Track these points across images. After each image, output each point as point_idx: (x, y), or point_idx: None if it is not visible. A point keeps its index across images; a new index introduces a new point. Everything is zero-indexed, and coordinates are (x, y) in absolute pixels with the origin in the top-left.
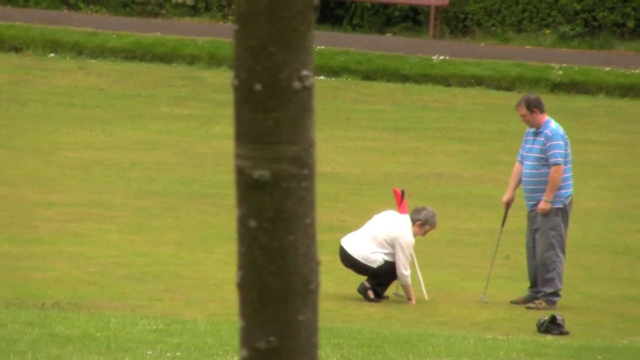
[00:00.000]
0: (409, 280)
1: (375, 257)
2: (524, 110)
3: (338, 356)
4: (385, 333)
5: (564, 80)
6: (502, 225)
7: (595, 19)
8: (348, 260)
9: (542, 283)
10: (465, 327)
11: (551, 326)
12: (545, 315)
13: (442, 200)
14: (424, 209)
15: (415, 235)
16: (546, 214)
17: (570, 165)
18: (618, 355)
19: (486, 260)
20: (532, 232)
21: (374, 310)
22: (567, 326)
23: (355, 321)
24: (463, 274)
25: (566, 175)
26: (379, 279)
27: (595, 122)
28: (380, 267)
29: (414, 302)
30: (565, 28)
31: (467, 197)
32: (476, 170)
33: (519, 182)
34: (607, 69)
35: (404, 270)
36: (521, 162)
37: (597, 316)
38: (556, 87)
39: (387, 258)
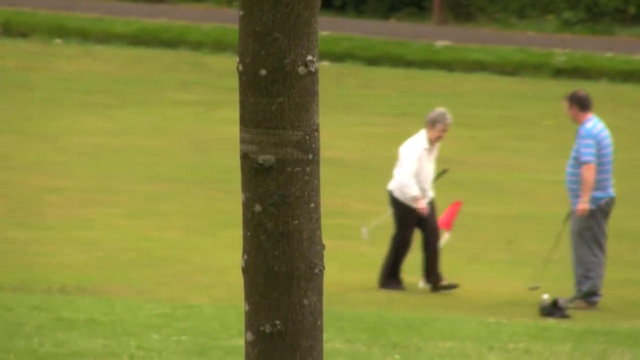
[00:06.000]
0: (412, 191)
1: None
2: (566, 104)
3: (342, 340)
4: (389, 317)
5: (567, 66)
6: (565, 220)
7: (597, 4)
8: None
9: (580, 283)
10: (469, 311)
11: (553, 310)
12: (547, 299)
13: (447, 185)
14: (432, 111)
15: (432, 139)
16: (580, 215)
17: (606, 167)
18: (620, 339)
19: (491, 244)
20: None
21: (378, 294)
22: (570, 310)
23: (359, 305)
24: (467, 258)
25: (600, 176)
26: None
27: (598, 107)
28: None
29: (423, 206)
30: (567, 14)
31: (471, 182)
32: (480, 156)
33: None
34: (609, 54)
35: (404, 180)
36: None
37: (601, 298)
38: (559, 72)
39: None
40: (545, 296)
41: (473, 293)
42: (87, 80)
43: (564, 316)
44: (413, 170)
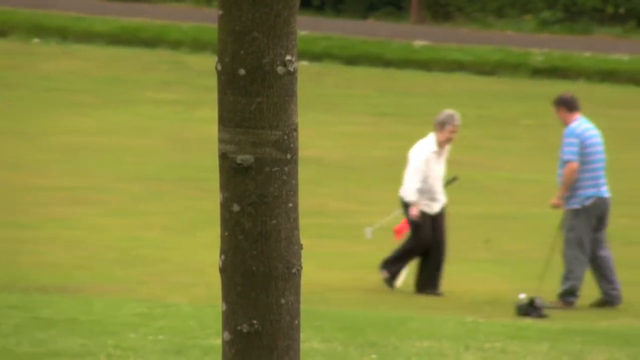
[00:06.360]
0: (412, 197)
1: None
2: (554, 108)
3: (320, 339)
4: (367, 316)
5: (545, 65)
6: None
7: (575, 4)
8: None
9: (561, 281)
10: (447, 310)
11: (530, 309)
12: (524, 299)
13: None
14: (440, 114)
15: (441, 142)
16: (567, 215)
17: (594, 166)
18: (597, 338)
19: (470, 244)
20: None
21: (356, 294)
22: (547, 309)
23: (337, 304)
24: (447, 257)
25: (585, 175)
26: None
27: None
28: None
29: (414, 213)
30: (545, 14)
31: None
32: (459, 155)
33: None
34: (587, 54)
35: (407, 184)
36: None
37: (578, 299)
38: (537, 72)
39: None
40: (522, 295)
41: (452, 292)
42: (66, 80)
43: (540, 316)
44: (420, 174)
